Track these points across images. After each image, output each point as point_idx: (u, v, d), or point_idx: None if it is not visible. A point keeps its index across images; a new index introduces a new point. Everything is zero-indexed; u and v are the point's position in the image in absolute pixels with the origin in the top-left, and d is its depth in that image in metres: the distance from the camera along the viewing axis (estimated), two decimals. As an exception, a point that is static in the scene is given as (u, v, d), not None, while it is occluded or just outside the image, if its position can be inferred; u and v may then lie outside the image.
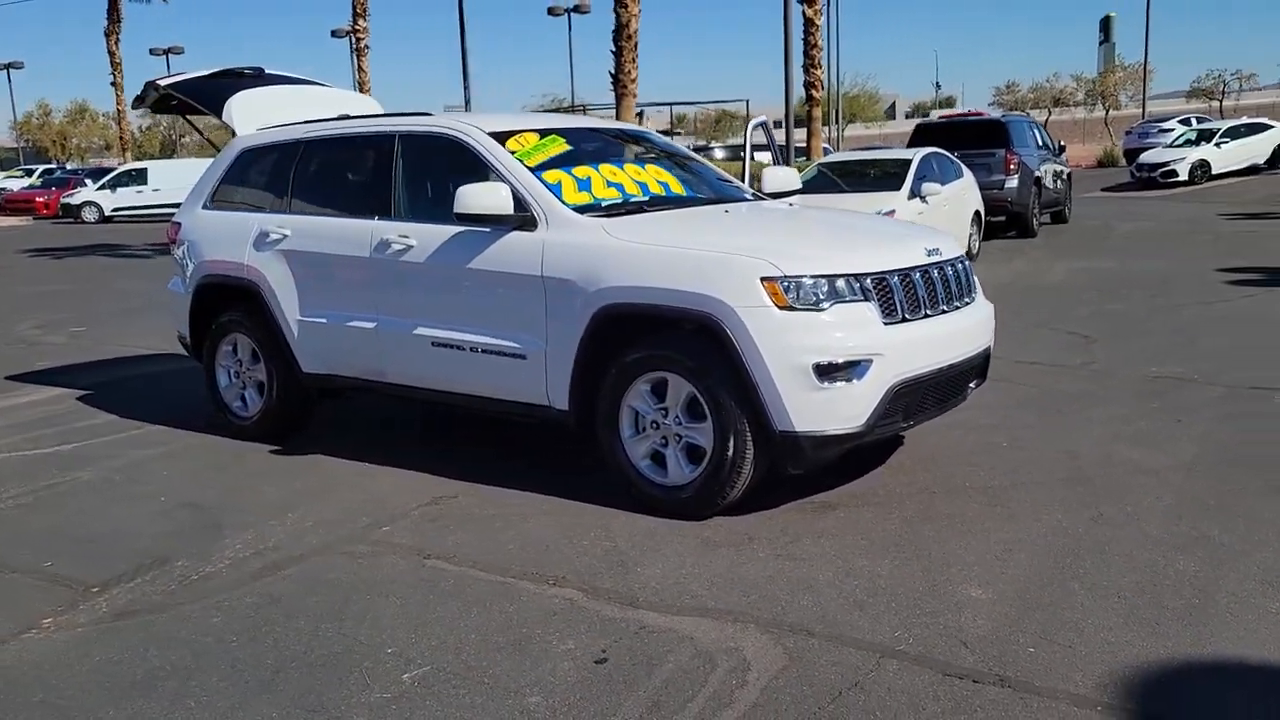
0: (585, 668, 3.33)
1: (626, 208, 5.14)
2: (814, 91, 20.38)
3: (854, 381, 4.34)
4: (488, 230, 5.05)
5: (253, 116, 6.62)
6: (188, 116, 7.38)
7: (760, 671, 3.26)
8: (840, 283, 4.38)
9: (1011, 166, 16.64)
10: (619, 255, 4.65)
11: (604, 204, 5.13)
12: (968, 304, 4.94)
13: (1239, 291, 10.57)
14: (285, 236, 5.90)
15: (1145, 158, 29.50)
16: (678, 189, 5.62)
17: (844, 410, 4.36)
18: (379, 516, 4.85)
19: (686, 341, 4.57)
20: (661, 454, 4.70)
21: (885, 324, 4.43)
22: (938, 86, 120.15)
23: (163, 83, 6.85)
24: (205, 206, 6.51)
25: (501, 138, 5.33)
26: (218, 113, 6.65)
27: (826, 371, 4.29)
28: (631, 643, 3.49)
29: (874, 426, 4.44)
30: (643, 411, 4.71)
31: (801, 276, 4.34)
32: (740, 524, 4.54)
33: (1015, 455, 5.38)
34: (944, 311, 4.72)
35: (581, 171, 5.30)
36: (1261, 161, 29.65)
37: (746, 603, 3.76)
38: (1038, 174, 17.57)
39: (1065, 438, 5.67)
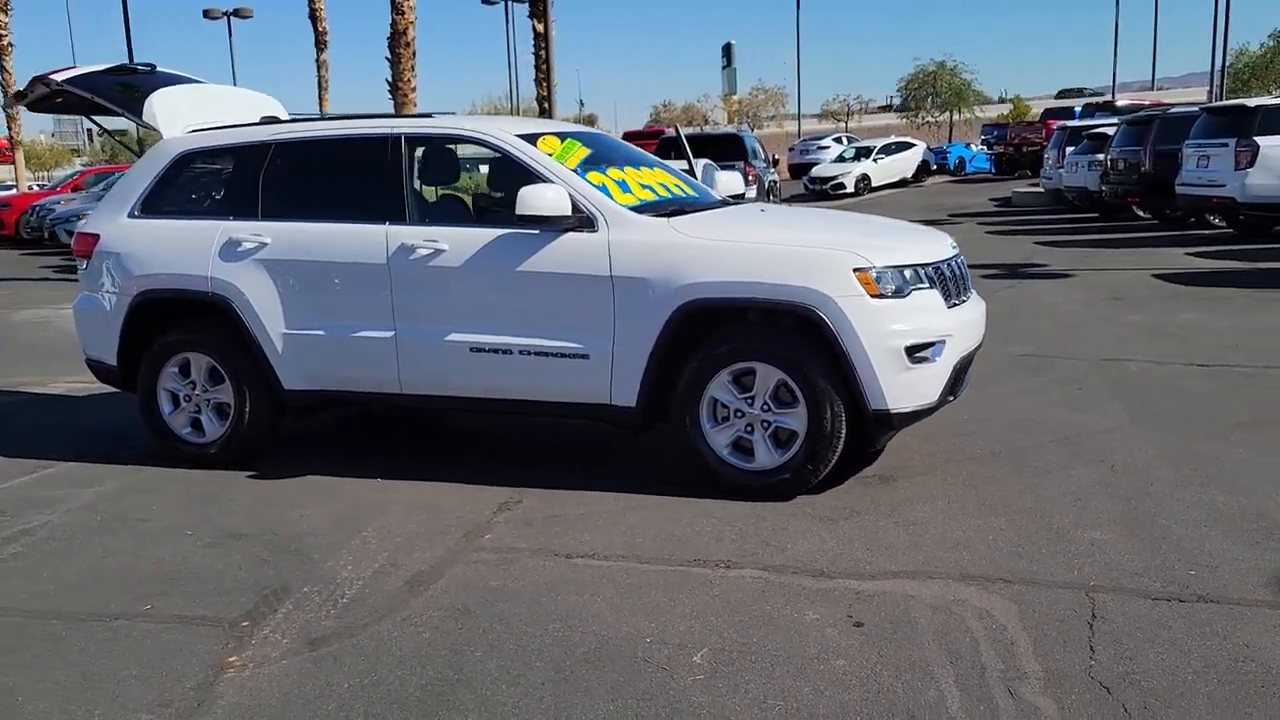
0: (852, 633, 3.55)
1: (670, 208, 5.30)
2: (546, 105, 20.82)
3: (934, 361, 4.80)
4: (537, 232, 5.04)
5: (177, 116, 6.10)
6: (92, 116, 6.61)
7: (1006, 616, 3.62)
8: (909, 272, 4.82)
9: (751, 177, 17.92)
10: (706, 252, 4.83)
11: (651, 205, 5.27)
12: (972, 295, 5.52)
13: (999, 284, 12.07)
14: (264, 245, 5.51)
15: (816, 171, 32.48)
16: (688, 191, 5.84)
17: (925, 388, 4.81)
18: (466, 526, 4.73)
19: (776, 331, 4.84)
20: (745, 441, 4.92)
21: (948, 308, 4.93)
22: (581, 104, 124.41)
23: (58, 78, 6.13)
24: (134, 215, 5.91)
25: (530, 140, 5.33)
26: (135, 111, 6.06)
27: (915, 352, 4.72)
28: (867, 607, 3.73)
29: (941, 401, 4.92)
30: (725, 401, 4.91)
31: (886, 267, 4.74)
32: (829, 501, 4.86)
33: (988, 425, 6.04)
34: (967, 300, 5.28)
35: (615, 174, 5.40)
36: (909, 175, 33.51)
37: (921, 563, 4.10)
38: (767, 184, 19.02)
39: (1007, 408, 6.43)
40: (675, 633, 3.59)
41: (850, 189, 30.90)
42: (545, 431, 6.34)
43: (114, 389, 6.35)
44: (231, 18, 46.22)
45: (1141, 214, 19.31)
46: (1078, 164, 20.91)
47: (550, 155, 5.27)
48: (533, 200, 4.90)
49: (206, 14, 45.81)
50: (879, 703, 3.09)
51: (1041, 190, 24.37)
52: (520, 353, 5.12)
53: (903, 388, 4.73)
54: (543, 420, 6.33)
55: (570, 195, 4.99)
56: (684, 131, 22.45)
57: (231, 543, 4.65)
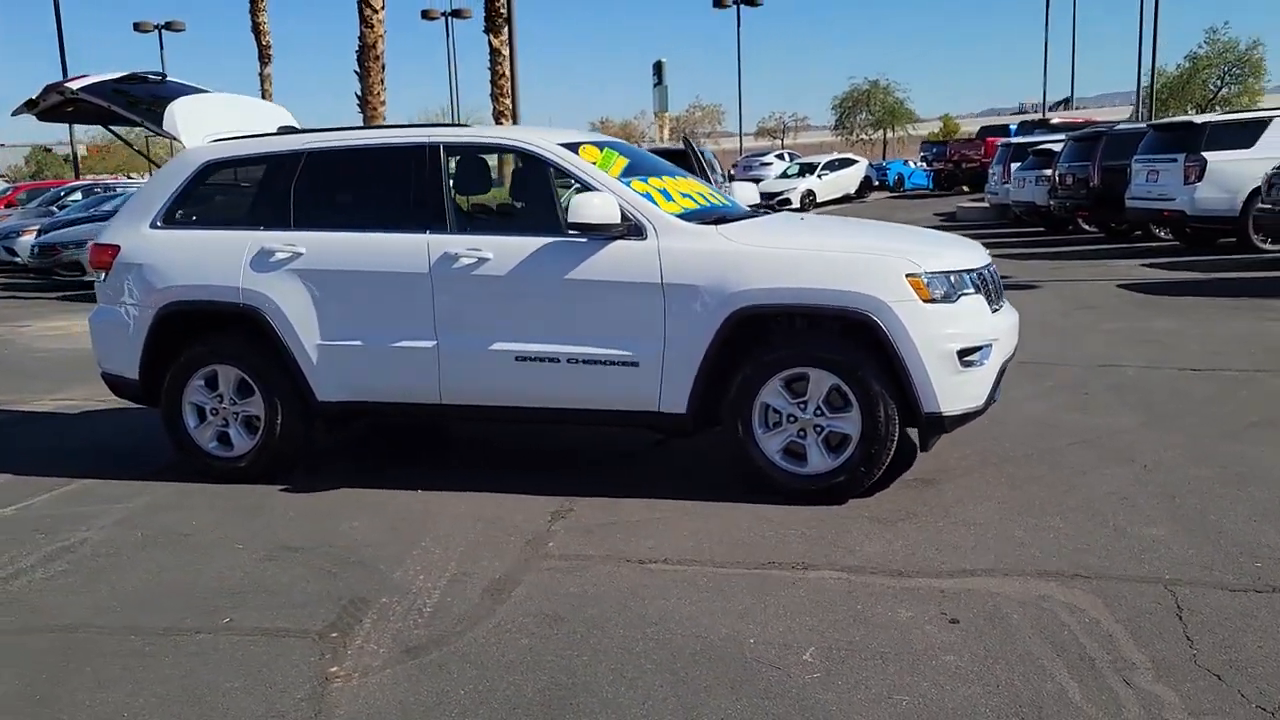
0: (950, 629, 3.60)
1: (713, 216, 5.34)
2: (504, 120, 20.79)
3: (983, 364, 4.90)
4: (584, 240, 5.06)
5: (198, 126, 6.00)
6: (109, 126, 6.47)
7: (1095, 611, 3.69)
8: (955, 277, 4.92)
9: (712, 192, 18.05)
10: (759, 259, 4.88)
11: (694, 213, 5.30)
12: (1006, 303, 5.61)
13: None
14: (298, 255, 5.44)
15: (763, 187, 32.76)
16: (723, 201, 5.89)
17: (974, 390, 4.90)
18: (525, 534, 4.71)
19: (828, 337, 4.90)
20: (795, 446, 4.96)
21: (992, 312, 5.04)
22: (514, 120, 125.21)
23: (74, 86, 6.00)
24: (156, 225, 5.79)
25: (572, 149, 5.35)
26: (154, 120, 5.95)
27: (965, 355, 4.82)
28: (955, 605, 3.79)
29: (987, 404, 5.02)
30: (777, 406, 4.95)
31: (935, 272, 4.83)
32: (880, 504, 4.92)
33: (1009, 429, 6.13)
34: (1003, 306, 5.39)
35: (655, 183, 5.43)
36: (852, 191, 34.04)
37: (993, 561, 4.18)
38: (726, 199, 19.18)
39: (1022, 413, 6.54)
40: (775, 633, 3.62)
41: (796, 205, 31.29)
42: (575, 439, 6.33)
43: (116, 404, 6.24)
44: (163, 30, 45.44)
45: (1087, 227, 19.86)
46: (1025, 179, 21.42)
47: (594, 164, 5.29)
48: (584, 208, 4.91)
49: (137, 26, 45.01)
50: (1002, 695, 3.15)
51: (986, 205, 24.91)
52: (568, 361, 5.12)
53: (954, 390, 4.82)
54: (574, 428, 6.33)
55: (619, 203, 5.02)
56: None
57: (288, 555, 4.58)
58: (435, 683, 3.36)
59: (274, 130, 6.30)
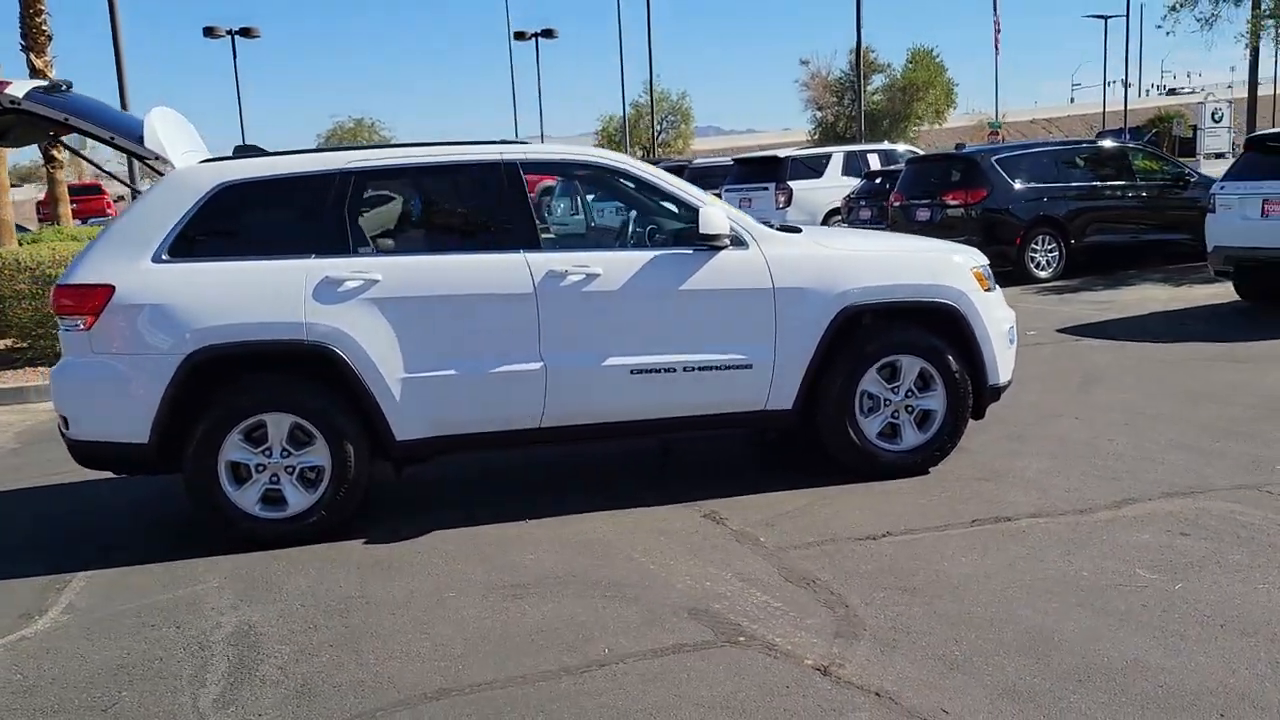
0: (1193, 539, 4.41)
1: (779, 227, 5.76)
2: (56, 150, 18.25)
3: (1014, 341, 5.86)
4: (690, 252, 5.26)
5: (176, 143, 5.22)
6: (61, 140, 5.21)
7: (1260, 511, 4.69)
8: (988, 270, 5.83)
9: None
10: (862, 261, 5.41)
11: (763, 224, 5.67)
12: None
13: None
14: (373, 282, 4.99)
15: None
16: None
17: (1011, 364, 5.84)
18: (719, 535, 4.84)
19: (914, 326, 5.55)
20: (888, 426, 5.55)
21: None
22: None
23: (16, 93, 4.91)
24: (161, 259, 4.94)
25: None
26: (133, 138, 5.09)
27: (1009, 334, 5.75)
28: (1161, 524, 4.61)
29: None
30: (874, 393, 5.50)
31: (984, 266, 5.71)
32: (953, 470, 5.62)
33: (1003, 410, 6.85)
34: None
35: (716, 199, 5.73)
36: (392, 228, 34.08)
37: (1123, 493, 5.08)
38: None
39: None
40: (1087, 564, 4.22)
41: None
42: (574, 452, 6.32)
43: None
44: None
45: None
46: (603, 210, 23.19)
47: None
48: (711, 221, 5.13)
49: None
50: (1320, 575, 4.04)
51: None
52: (684, 370, 5.25)
53: (1005, 364, 5.72)
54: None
55: (725, 216, 5.29)
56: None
57: (526, 593, 4.30)
58: (925, 651, 3.55)
59: (231, 153, 5.60)
